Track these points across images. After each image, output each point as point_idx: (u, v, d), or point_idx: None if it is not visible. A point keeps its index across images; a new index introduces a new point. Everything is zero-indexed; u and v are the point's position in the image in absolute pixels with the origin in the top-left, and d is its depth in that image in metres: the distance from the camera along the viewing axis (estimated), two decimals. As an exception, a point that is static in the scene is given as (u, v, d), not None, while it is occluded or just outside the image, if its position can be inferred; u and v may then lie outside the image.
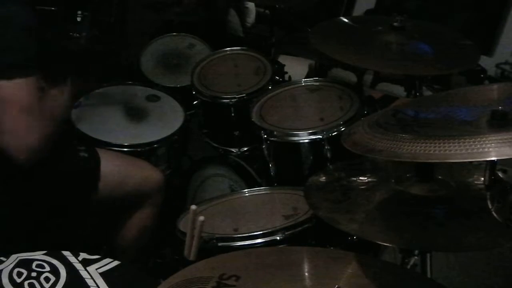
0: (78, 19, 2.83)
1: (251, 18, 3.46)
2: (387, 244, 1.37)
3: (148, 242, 2.01)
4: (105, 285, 1.29)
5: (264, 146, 2.01)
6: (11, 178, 1.59)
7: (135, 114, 2.27)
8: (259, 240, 1.60)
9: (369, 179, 1.50)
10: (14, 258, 1.36)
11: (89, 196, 1.76)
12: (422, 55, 1.94)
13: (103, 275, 1.32)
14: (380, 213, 1.37)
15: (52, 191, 1.68)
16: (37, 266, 1.33)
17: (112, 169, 1.82)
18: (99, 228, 1.92)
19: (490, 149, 0.91)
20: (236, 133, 2.27)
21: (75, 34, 1.90)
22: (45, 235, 1.66)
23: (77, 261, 1.35)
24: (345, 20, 2.22)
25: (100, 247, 1.89)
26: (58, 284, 1.29)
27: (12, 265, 1.33)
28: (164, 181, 1.98)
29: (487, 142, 0.92)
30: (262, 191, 1.91)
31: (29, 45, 1.46)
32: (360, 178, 1.51)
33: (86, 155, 1.80)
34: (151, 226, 1.96)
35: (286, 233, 1.60)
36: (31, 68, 1.45)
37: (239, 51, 2.49)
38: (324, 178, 1.58)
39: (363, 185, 1.48)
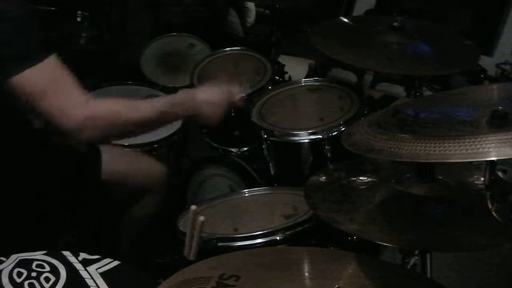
0: (78, 19, 2.84)
1: (251, 18, 3.46)
2: (388, 244, 1.37)
3: (149, 241, 2.01)
4: (105, 285, 1.29)
5: (264, 146, 2.01)
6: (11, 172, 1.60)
7: (135, 114, 2.27)
8: (259, 240, 1.60)
9: (369, 179, 1.50)
10: (14, 258, 1.36)
11: (90, 191, 1.76)
12: (422, 55, 1.94)
13: (103, 275, 1.32)
14: (380, 213, 1.36)
15: (51, 187, 1.68)
16: (37, 266, 1.33)
17: (113, 163, 1.81)
18: (100, 223, 1.91)
19: (490, 149, 0.91)
20: (236, 133, 2.27)
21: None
22: (45, 233, 1.65)
23: (77, 261, 1.35)
24: (345, 20, 2.22)
25: (101, 244, 1.89)
26: (58, 284, 1.29)
27: (12, 265, 1.33)
28: (166, 174, 1.97)
29: (487, 142, 0.92)
30: (262, 191, 1.91)
31: (28, 36, 1.47)
32: (360, 178, 1.51)
33: (86, 149, 1.79)
34: (153, 220, 1.96)
35: (286, 233, 1.60)
36: (36, 57, 1.46)
37: (239, 51, 2.49)
38: (324, 178, 1.58)
39: (363, 185, 1.48)
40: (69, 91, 1.50)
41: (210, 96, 1.71)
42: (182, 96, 1.75)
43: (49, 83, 1.47)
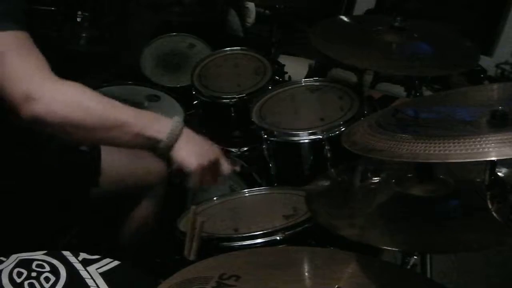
0: (78, 19, 2.84)
1: (251, 18, 3.46)
2: (391, 248, 1.37)
3: (149, 241, 2.00)
4: (105, 285, 1.29)
5: (264, 146, 2.01)
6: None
7: (135, 114, 2.27)
8: (259, 240, 1.60)
9: (370, 182, 1.50)
10: (14, 258, 1.35)
11: (89, 191, 1.75)
12: (422, 55, 1.94)
13: (103, 275, 1.32)
14: (380, 216, 1.36)
15: (50, 187, 1.68)
16: (37, 266, 1.33)
17: (113, 162, 1.80)
18: (100, 224, 1.91)
19: (490, 149, 0.91)
20: (236, 133, 2.27)
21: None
22: (45, 233, 1.65)
23: (77, 261, 1.35)
24: (345, 19, 2.21)
25: (101, 244, 1.88)
26: (58, 284, 1.29)
27: (12, 265, 1.33)
28: (166, 172, 1.96)
29: (487, 142, 0.92)
30: (262, 191, 1.91)
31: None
32: (361, 180, 1.51)
33: (86, 149, 1.79)
34: (153, 219, 1.95)
35: (286, 233, 1.60)
36: (22, 23, 1.37)
37: (239, 51, 2.49)
38: (325, 183, 1.58)
39: (364, 188, 1.48)
40: (31, 61, 1.35)
41: (195, 140, 1.57)
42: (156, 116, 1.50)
43: (9, 48, 1.34)
